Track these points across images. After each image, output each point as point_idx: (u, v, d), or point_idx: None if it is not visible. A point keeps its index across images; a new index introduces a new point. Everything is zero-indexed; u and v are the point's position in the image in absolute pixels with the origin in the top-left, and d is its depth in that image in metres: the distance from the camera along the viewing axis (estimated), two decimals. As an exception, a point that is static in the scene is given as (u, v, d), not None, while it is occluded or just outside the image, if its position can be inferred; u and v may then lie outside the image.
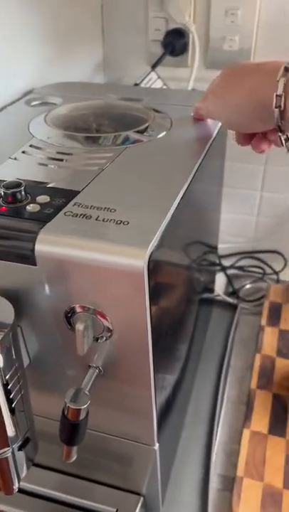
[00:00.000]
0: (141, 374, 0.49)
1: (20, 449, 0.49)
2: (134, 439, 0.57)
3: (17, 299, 0.46)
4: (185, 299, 0.67)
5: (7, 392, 0.44)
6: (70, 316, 0.46)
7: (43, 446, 0.53)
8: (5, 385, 0.44)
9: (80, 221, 0.44)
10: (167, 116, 0.68)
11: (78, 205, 0.46)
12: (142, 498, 0.65)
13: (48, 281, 0.44)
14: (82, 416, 0.47)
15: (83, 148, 0.59)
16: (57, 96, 0.76)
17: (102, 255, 0.41)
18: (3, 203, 0.47)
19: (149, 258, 0.40)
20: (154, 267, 0.42)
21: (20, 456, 0.49)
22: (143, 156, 0.57)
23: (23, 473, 0.51)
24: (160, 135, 0.62)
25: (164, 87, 0.99)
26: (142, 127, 0.63)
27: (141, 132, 0.63)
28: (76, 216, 0.45)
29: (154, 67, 0.97)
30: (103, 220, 0.44)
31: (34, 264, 0.43)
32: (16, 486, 0.50)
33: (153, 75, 0.97)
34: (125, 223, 0.44)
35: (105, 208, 0.46)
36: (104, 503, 0.64)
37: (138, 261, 0.40)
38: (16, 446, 0.48)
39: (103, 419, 0.56)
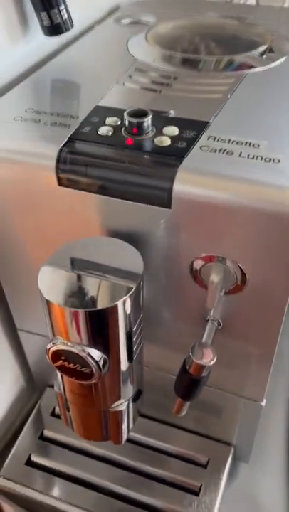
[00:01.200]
0: (268, 331, 0.45)
1: (134, 401, 0.46)
2: (242, 394, 0.54)
3: (143, 245, 0.41)
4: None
5: (130, 344, 0.41)
6: (197, 266, 0.41)
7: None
8: (128, 337, 0.40)
9: (221, 157, 0.38)
10: (285, 38, 0.59)
11: (214, 139, 0.40)
12: (232, 449, 0.64)
13: (181, 227, 0.39)
14: (205, 372, 0.43)
15: (198, 74, 0.51)
16: (148, 13, 0.67)
17: (252, 199, 0.36)
18: (127, 134, 0.41)
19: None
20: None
21: (133, 407, 0.47)
22: (269, 84, 0.49)
23: (132, 425, 0.49)
24: (282, 59, 0.54)
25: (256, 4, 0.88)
26: (260, 50, 0.55)
27: (260, 55, 0.54)
28: (215, 152, 0.39)
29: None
30: (248, 157, 0.38)
31: (168, 206, 0.38)
32: (125, 437, 0.49)
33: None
34: (275, 161, 0.37)
35: (247, 142, 0.39)
36: (196, 451, 0.63)
37: (298, 207, 0.35)
38: (130, 398, 0.46)
39: (213, 373, 0.53)
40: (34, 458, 0.63)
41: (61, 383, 0.44)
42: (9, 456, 0.63)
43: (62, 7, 0.51)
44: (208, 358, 0.42)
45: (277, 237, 0.37)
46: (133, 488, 0.59)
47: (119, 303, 0.36)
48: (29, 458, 0.63)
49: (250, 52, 0.54)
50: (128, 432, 0.48)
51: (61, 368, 0.40)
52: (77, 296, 0.36)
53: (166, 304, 0.47)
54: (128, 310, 0.38)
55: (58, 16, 0.50)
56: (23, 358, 0.68)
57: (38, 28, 0.53)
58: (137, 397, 0.46)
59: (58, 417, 0.67)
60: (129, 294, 0.37)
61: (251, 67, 0.52)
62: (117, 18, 0.67)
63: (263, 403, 0.54)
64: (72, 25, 0.53)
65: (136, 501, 0.59)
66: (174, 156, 0.38)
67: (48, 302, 0.36)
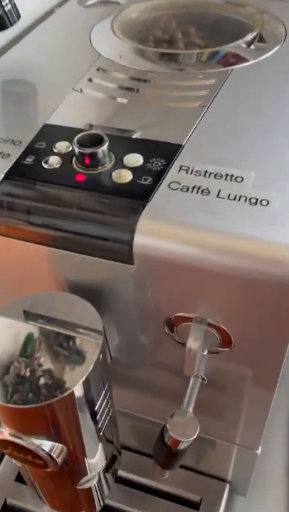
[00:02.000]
0: (263, 386, 0.38)
1: (106, 470, 0.40)
2: (236, 442, 0.48)
3: (106, 302, 0.34)
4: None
5: (95, 423, 0.34)
6: (172, 326, 0.34)
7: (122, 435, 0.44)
8: (93, 416, 0.33)
9: (195, 199, 0.30)
10: (277, 19, 0.49)
11: (186, 171, 0.32)
12: (227, 485, 0.58)
13: (149, 285, 0.31)
14: (184, 446, 0.37)
15: (174, 73, 0.42)
16: (118, -9, 0.57)
17: (233, 258, 0.28)
18: (79, 166, 0.33)
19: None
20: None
21: (106, 477, 0.41)
22: (260, 84, 0.40)
23: (107, 492, 0.42)
24: (274, 49, 0.44)
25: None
26: (248, 38, 0.46)
27: (247, 45, 0.45)
28: (187, 191, 0.30)
29: None
30: (228, 198, 0.30)
31: (130, 262, 0.30)
32: (99, 506, 0.42)
33: None
34: (263, 203, 0.29)
35: (228, 175, 0.31)
36: (189, 490, 0.57)
37: (292, 268, 0.27)
38: (101, 470, 0.39)
39: (204, 423, 0.47)
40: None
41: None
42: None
43: (4, -3, 0.41)
44: (188, 433, 0.35)
45: (272, 301, 0.29)
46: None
47: (76, 389, 0.29)
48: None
49: (236, 42, 0.45)
50: (103, 499, 0.42)
51: (12, 456, 0.33)
52: (21, 383, 0.29)
53: (140, 361, 0.40)
54: (87, 391, 0.31)
55: (-1, 7, 0.41)
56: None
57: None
58: (110, 465, 0.40)
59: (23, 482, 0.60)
60: (86, 374, 0.29)
61: (238, 61, 0.43)
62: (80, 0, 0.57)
63: (259, 451, 0.48)
64: (18, 17, 0.44)
65: None
66: (136, 198, 0.30)
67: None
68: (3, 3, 0.41)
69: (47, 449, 0.31)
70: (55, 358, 0.30)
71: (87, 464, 0.37)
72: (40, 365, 0.30)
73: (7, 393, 0.29)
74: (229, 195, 0.30)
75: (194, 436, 0.35)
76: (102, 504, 0.42)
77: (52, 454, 0.31)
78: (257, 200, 0.29)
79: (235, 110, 0.37)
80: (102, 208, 0.30)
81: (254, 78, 0.41)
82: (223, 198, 0.30)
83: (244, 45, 0.45)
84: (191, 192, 0.30)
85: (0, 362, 0.30)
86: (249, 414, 0.43)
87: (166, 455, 0.38)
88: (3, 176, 0.33)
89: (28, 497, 0.57)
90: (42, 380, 0.29)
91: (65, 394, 0.29)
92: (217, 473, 0.58)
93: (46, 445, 0.31)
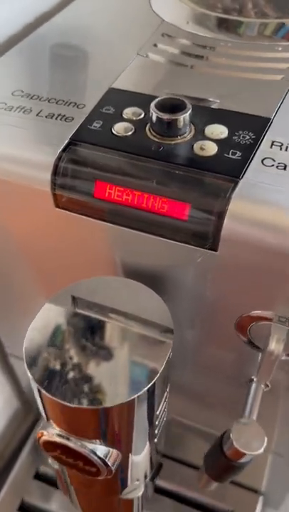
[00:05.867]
0: None
1: (152, 479, 0.36)
2: (272, 449, 0.44)
3: (170, 293, 0.30)
4: None
5: (151, 430, 0.30)
6: (247, 325, 0.30)
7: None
8: (150, 423, 0.29)
9: (295, 178, 0.26)
10: None
11: (280, 146, 0.28)
12: (261, 497, 0.54)
13: (230, 276, 0.27)
14: (246, 459, 0.33)
15: (246, 42, 0.38)
16: None
17: None
18: (154, 135, 0.28)
19: None
20: None
21: (149, 486, 0.37)
22: None
23: (146, 503, 0.39)
24: None
25: None
26: None
27: None
28: (284, 168, 0.26)
29: None
30: None
31: (214, 248, 0.26)
32: (139, 516, 0.39)
33: None
34: None
35: None
36: (220, 500, 0.53)
37: None
38: (148, 479, 0.35)
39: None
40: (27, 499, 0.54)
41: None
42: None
43: None
44: (253, 446, 0.31)
45: None
46: None
47: (140, 395, 0.25)
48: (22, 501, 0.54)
49: (315, 13, 0.40)
50: (143, 509, 0.38)
51: (59, 460, 0.29)
52: (78, 383, 0.25)
53: (197, 362, 0.36)
54: (152, 394, 0.27)
55: None
56: (17, 383, 0.58)
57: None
58: (156, 474, 0.36)
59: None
60: (156, 378, 0.25)
61: None
62: None
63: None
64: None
65: None
66: (225, 174, 0.26)
67: (38, 389, 0.25)
68: None
69: (102, 455, 0.27)
70: (119, 356, 0.26)
71: (136, 472, 0.33)
72: (101, 362, 0.26)
73: (66, 390, 0.25)
74: None
75: (261, 450, 0.31)
76: (140, 514, 0.38)
77: (107, 460, 0.27)
78: None
79: None
80: (184, 184, 0.26)
81: None
82: None
83: None
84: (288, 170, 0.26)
85: (60, 355, 0.26)
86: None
87: (223, 467, 0.34)
88: (67, 141, 0.28)
89: (47, 496, 0.54)
90: (104, 379, 0.25)
91: (131, 398, 0.25)
92: (251, 485, 0.54)
93: (101, 450, 0.27)
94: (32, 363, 0.26)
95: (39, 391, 0.25)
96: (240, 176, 0.26)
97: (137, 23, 0.41)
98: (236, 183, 0.25)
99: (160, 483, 0.53)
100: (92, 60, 0.37)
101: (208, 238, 0.26)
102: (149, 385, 0.25)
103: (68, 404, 0.24)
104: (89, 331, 0.27)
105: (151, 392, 0.26)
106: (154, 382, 0.25)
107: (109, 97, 0.32)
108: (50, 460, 0.35)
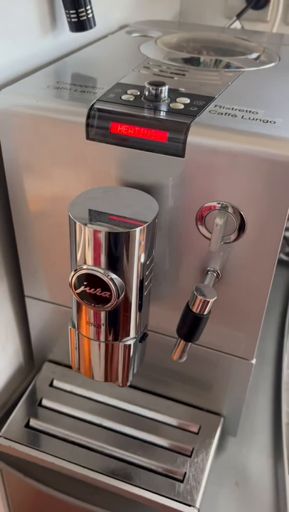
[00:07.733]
0: (260, 283, 0.51)
1: (140, 340, 0.51)
2: (232, 352, 0.59)
3: (157, 195, 0.48)
4: None
5: (143, 276, 0.46)
6: (202, 214, 0.48)
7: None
8: (143, 267, 0.46)
9: (227, 118, 0.45)
10: (274, 52, 0.69)
11: (220, 107, 0.48)
12: (222, 419, 0.68)
13: (192, 175, 0.46)
14: (207, 310, 0.49)
15: (203, 69, 0.60)
16: (154, 30, 0.77)
17: (252, 147, 0.43)
18: (146, 100, 0.48)
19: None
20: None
21: (140, 348, 0.52)
22: (264, 78, 0.58)
23: (136, 370, 0.53)
24: (273, 64, 0.63)
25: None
26: (254, 55, 0.64)
27: (254, 59, 0.64)
28: (222, 114, 0.46)
29: (238, 16, 0.97)
30: (249, 119, 0.45)
31: (182, 155, 0.45)
32: (130, 378, 0.53)
33: (237, 24, 0.98)
34: (272, 122, 0.45)
35: (247, 110, 0.47)
36: (188, 420, 0.66)
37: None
38: (138, 337, 0.50)
39: (206, 331, 0.58)
40: (33, 422, 0.66)
41: (76, 318, 0.49)
42: (8, 421, 0.66)
43: (88, 7, 0.59)
44: (211, 295, 0.48)
45: (273, 181, 0.43)
46: (129, 450, 0.63)
47: (138, 230, 0.42)
48: (28, 422, 0.65)
49: (245, 56, 0.63)
50: (133, 374, 0.53)
51: (81, 295, 0.45)
52: (103, 221, 0.42)
53: (169, 255, 0.53)
54: (144, 239, 0.44)
55: (84, 14, 0.59)
56: (26, 330, 0.72)
57: (63, 27, 0.62)
58: (143, 338, 0.51)
59: (56, 388, 0.70)
60: (147, 224, 0.43)
61: (247, 66, 0.61)
62: (128, 31, 0.76)
63: (254, 361, 0.59)
64: (94, 24, 0.61)
65: (132, 462, 0.62)
66: (188, 115, 0.46)
67: (75, 224, 0.42)
68: (87, 11, 0.59)
69: (116, 280, 0.43)
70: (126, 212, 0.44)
71: (131, 320, 0.48)
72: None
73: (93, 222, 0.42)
74: (249, 118, 0.46)
75: (215, 297, 0.47)
76: (132, 378, 0.53)
77: (118, 286, 0.43)
78: (268, 121, 0.45)
79: (248, 87, 0.54)
80: (165, 119, 0.45)
81: (260, 75, 0.58)
82: (246, 119, 0.45)
83: (251, 59, 0.63)
84: (224, 115, 0.46)
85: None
86: (246, 319, 0.55)
87: (191, 322, 0.49)
88: (94, 100, 0.48)
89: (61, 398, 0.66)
90: (116, 221, 0.42)
91: (133, 229, 0.42)
92: (214, 408, 0.67)
93: (115, 277, 0.43)
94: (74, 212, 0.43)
95: (75, 225, 0.42)
96: (197, 116, 0.45)
97: (131, 58, 0.63)
98: (194, 118, 0.45)
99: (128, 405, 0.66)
100: (105, 72, 0.58)
101: (179, 150, 0.45)
102: (154, 217, 0.43)
103: (92, 228, 0.41)
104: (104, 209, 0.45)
105: (148, 232, 0.43)
106: (150, 223, 0.43)
107: (118, 85, 0.52)
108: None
